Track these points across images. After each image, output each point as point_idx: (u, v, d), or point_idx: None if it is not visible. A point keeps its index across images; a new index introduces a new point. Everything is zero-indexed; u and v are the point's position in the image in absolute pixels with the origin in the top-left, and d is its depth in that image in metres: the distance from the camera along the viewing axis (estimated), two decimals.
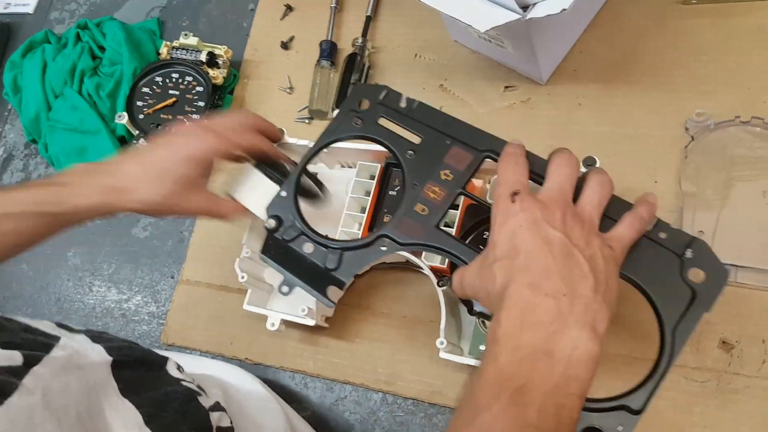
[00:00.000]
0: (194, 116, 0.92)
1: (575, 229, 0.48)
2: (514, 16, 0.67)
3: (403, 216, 0.59)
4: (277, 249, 0.62)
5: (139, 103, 0.94)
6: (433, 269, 0.71)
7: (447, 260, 0.70)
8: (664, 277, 0.52)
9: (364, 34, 0.91)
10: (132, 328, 0.91)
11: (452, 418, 0.44)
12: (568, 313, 0.44)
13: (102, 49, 1.03)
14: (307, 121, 0.92)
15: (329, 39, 0.93)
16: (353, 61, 0.89)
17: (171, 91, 0.94)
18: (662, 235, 0.53)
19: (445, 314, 0.68)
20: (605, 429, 0.49)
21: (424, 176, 0.60)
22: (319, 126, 0.91)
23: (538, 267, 0.46)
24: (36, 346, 0.50)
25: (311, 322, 0.73)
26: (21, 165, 1.08)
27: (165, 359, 0.60)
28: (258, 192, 0.67)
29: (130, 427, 0.51)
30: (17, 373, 0.47)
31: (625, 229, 0.51)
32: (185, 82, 0.94)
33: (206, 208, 0.66)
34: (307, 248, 0.61)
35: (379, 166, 0.77)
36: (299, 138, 0.80)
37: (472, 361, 0.67)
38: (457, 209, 0.72)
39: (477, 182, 0.75)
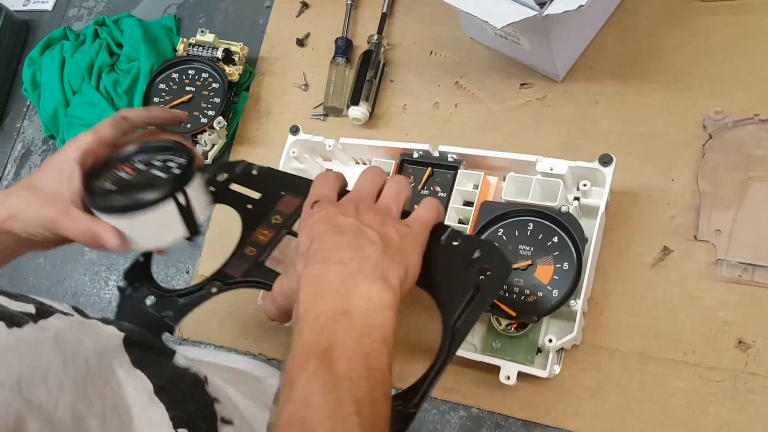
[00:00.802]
0: (210, 112, 0.92)
1: (368, 215, 0.53)
2: (531, 13, 0.67)
3: (232, 258, 0.65)
4: (129, 305, 0.66)
5: (156, 100, 0.95)
6: None
7: None
8: (450, 277, 0.54)
9: (380, 31, 0.91)
10: None
11: (274, 404, 0.45)
12: (357, 272, 0.48)
13: (119, 45, 1.03)
14: (322, 118, 0.92)
15: (344, 36, 0.93)
16: (368, 58, 0.89)
17: (187, 88, 0.95)
18: (455, 243, 0.56)
19: None
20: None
21: (257, 223, 0.66)
22: (334, 123, 0.91)
23: (327, 246, 0.50)
24: (50, 312, 0.52)
25: None
26: (39, 160, 1.09)
27: (173, 351, 0.61)
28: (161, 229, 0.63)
29: (141, 393, 0.51)
30: (30, 316, 0.49)
31: (422, 210, 0.56)
32: (201, 79, 0.95)
33: (83, 230, 0.59)
34: (149, 300, 0.65)
35: (393, 162, 0.77)
36: (314, 135, 0.81)
37: (485, 358, 0.67)
38: (472, 206, 0.72)
39: (492, 179, 0.74)
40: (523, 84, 0.83)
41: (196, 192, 0.62)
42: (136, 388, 0.51)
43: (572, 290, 0.65)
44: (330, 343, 0.44)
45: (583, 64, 0.80)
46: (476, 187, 0.73)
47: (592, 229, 0.67)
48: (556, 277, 0.66)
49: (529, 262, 0.68)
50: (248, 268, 0.63)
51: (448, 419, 0.72)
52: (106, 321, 0.57)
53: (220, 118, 0.91)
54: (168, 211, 0.60)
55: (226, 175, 0.70)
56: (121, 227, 0.59)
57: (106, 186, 0.60)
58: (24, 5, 1.23)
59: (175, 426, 0.51)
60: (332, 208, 0.53)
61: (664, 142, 0.73)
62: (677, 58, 0.76)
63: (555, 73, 0.80)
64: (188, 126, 0.92)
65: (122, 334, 0.56)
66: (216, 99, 0.93)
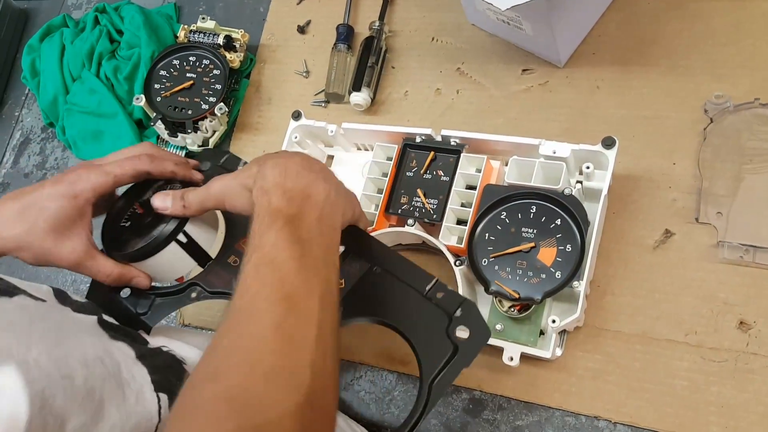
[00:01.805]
0: (211, 99, 0.92)
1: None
2: None
3: (215, 267, 0.65)
4: (102, 292, 0.65)
5: (157, 86, 0.95)
6: (450, 249, 0.71)
7: (464, 240, 0.70)
8: (431, 332, 0.56)
9: (381, 17, 0.91)
10: None
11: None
12: (317, 171, 0.56)
13: (120, 32, 1.03)
14: (323, 104, 0.92)
15: (346, 23, 0.93)
16: (370, 45, 0.89)
17: (188, 74, 0.95)
18: (439, 295, 0.58)
19: (462, 293, 0.68)
20: None
21: (241, 232, 0.64)
22: (335, 109, 0.91)
23: (293, 162, 0.56)
24: (13, 293, 0.52)
25: None
26: (38, 148, 1.09)
27: (146, 341, 0.61)
28: (174, 264, 0.65)
29: (126, 357, 0.52)
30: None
31: None
32: (202, 66, 0.95)
33: (77, 261, 0.59)
34: (124, 293, 0.65)
35: (396, 147, 0.77)
36: (316, 120, 0.81)
37: (490, 340, 0.67)
38: (475, 190, 0.72)
39: (495, 163, 0.75)
40: (524, 70, 0.83)
41: (197, 226, 0.64)
42: (120, 352, 0.52)
43: (575, 272, 0.65)
44: (296, 213, 0.51)
45: (585, 49, 0.81)
46: (479, 171, 0.73)
47: (595, 212, 0.68)
48: (559, 259, 0.66)
49: (532, 244, 0.68)
50: (230, 280, 0.63)
51: (451, 401, 0.72)
52: (79, 310, 0.57)
53: (222, 104, 0.91)
54: (174, 251, 0.63)
55: (209, 164, 0.70)
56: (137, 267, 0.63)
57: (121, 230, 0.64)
58: None
59: (156, 389, 0.52)
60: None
61: (666, 126, 0.74)
62: (679, 42, 0.77)
63: (557, 59, 0.80)
64: (189, 112, 0.92)
65: (95, 317, 0.56)
66: (217, 86, 0.93)
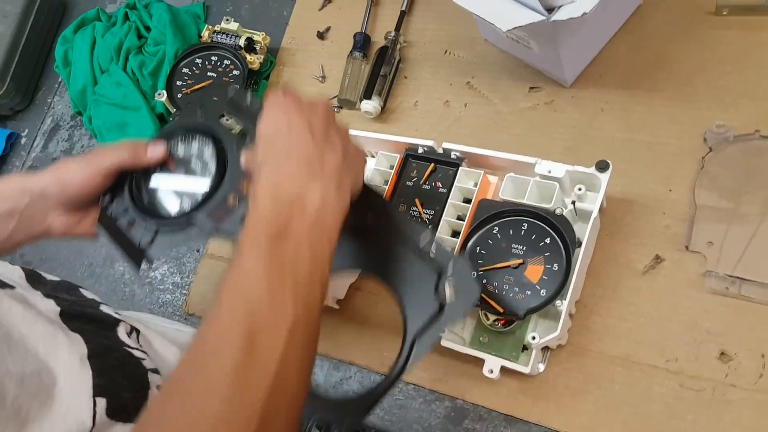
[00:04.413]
0: None
1: (335, 126, 0.57)
2: (538, 18, 0.68)
3: (214, 205, 0.65)
4: (111, 224, 0.68)
5: (179, 83, 0.98)
6: None
7: (456, 252, 0.72)
8: (420, 288, 0.55)
9: (397, 28, 0.93)
10: (156, 296, 0.95)
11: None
12: (319, 172, 0.53)
13: (148, 29, 1.07)
14: (336, 109, 0.94)
15: (363, 31, 0.95)
16: (383, 55, 0.91)
17: (209, 73, 0.98)
18: (431, 251, 0.57)
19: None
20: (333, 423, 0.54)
21: (241, 174, 0.64)
22: (347, 115, 0.94)
23: (295, 138, 0.54)
24: None
25: None
26: (66, 135, 1.14)
27: (117, 321, 0.64)
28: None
29: (73, 356, 0.54)
30: None
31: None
32: (223, 65, 0.98)
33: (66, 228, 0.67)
34: (125, 220, 0.67)
35: (398, 156, 0.79)
36: None
37: (471, 351, 0.69)
38: (470, 203, 0.73)
39: (492, 179, 0.76)
40: (532, 87, 0.84)
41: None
42: (70, 350, 0.54)
43: (559, 291, 0.66)
44: (282, 227, 0.49)
45: (592, 70, 0.81)
46: (476, 185, 0.75)
47: (585, 233, 0.69)
48: (545, 278, 0.68)
49: (521, 261, 0.69)
50: (228, 221, 0.64)
51: (434, 408, 0.74)
52: (48, 295, 0.60)
53: None
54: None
55: (215, 99, 0.71)
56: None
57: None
58: None
59: (95, 394, 0.53)
60: (306, 104, 0.56)
61: (666, 152, 0.74)
62: (686, 69, 0.77)
63: (563, 79, 0.81)
64: None
65: (58, 309, 0.59)
66: (236, 86, 0.96)
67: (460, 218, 0.75)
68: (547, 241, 0.69)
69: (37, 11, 1.17)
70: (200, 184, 0.67)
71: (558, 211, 0.69)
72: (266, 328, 0.44)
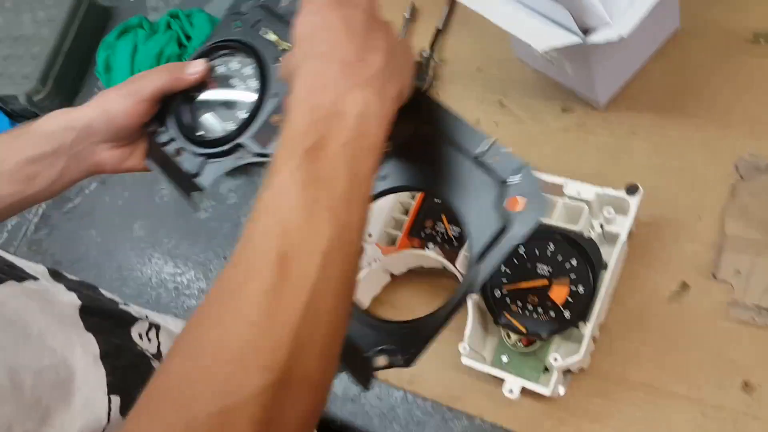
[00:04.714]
0: None
1: (378, 21, 0.50)
2: (574, 39, 0.68)
3: (260, 126, 0.62)
4: (158, 153, 0.67)
5: None
6: None
7: None
8: (481, 203, 0.50)
9: (432, 45, 0.94)
10: (182, 301, 0.97)
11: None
12: (358, 76, 0.47)
13: (189, 38, 1.09)
14: None
15: None
16: (418, 71, 0.92)
17: None
18: (493, 159, 0.51)
19: (472, 320, 0.69)
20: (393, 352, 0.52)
21: (285, 86, 0.61)
22: None
23: (333, 39, 0.48)
24: (9, 276, 0.55)
25: None
26: None
27: (134, 320, 0.64)
28: None
29: (87, 355, 0.55)
30: None
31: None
32: None
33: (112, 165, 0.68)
34: (173, 150, 0.66)
35: None
36: None
37: (492, 370, 0.68)
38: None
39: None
40: (564, 109, 0.84)
41: None
42: (84, 349, 0.55)
43: (584, 313, 0.66)
44: (318, 139, 0.44)
45: (626, 94, 0.81)
46: None
47: (613, 256, 0.68)
48: (570, 299, 0.67)
49: (546, 282, 0.69)
50: (273, 140, 0.61)
51: (452, 427, 0.74)
52: (71, 288, 0.61)
53: None
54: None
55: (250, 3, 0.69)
56: None
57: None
58: None
59: (109, 392, 0.54)
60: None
61: (696, 178, 0.73)
62: (721, 96, 0.76)
63: (596, 101, 0.81)
64: None
65: (79, 303, 0.59)
66: None
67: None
68: (574, 262, 0.68)
69: (83, 17, 1.21)
70: (243, 105, 0.65)
71: (586, 234, 0.68)
72: (299, 250, 0.41)
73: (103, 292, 0.68)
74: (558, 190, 0.72)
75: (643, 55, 0.81)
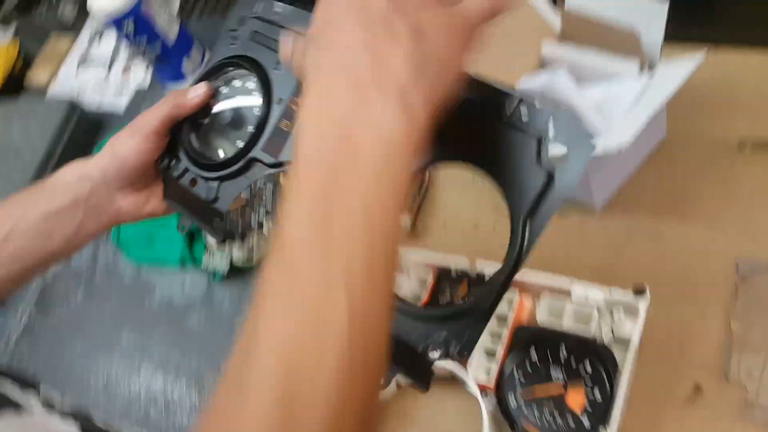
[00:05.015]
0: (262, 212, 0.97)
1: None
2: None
3: (270, 136, 0.60)
4: (175, 190, 0.65)
5: None
6: (480, 386, 0.72)
7: (494, 376, 0.71)
8: (519, 164, 0.45)
9: None
10: (172, 421, 0.93)
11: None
12: (371, 86, 0.37)
13: None
14: None
15: None
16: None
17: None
18: (524, 117, 0.46)
19: (487, 429, 0.68)
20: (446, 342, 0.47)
21: (289, 89, 0.59)
22: None
23: (341, 41, 0.39)
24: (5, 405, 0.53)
25: None
26: (90, 252, 1.14)
27: None
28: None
29: None
30: None
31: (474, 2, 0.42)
32: None
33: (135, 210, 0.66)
34: (188, 181, 0.64)
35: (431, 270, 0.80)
36: None
37: None
38: (505, 321, 0.73)
39: (527, 303, 0.76)
40: (560, 213, 0.86)
41: None
42: None
43: (603, 420, 0.65)
44: (329, 174, 0.36)
45: (621, 198, 0.84)
46: (510, 303, 0.75)
47: (624, 359, 0.68)
48: (588, 408, 0.67)
49: (562, 390, 0.68)
50: (284, 147, 0.58)
51: None
52: (67, 415, 0.58)
53: None
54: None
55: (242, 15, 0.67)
56: None
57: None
58: (97, 108, 1.32)
59: None
60: None
61: (698, 279, 0.75)
62: (713, 200, 0.79)
63: (592, 205, 0.83)
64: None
65: (78, 424, 0.57)
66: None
67: (492, 335, 0.75)
68: (588, 368, 0.68)
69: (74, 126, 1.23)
70: (251, 119, 0.63)
71: (599, 340, 0.69)
72: (318, 307, 0.34)
73: (95, 419, 0.65)
74: (565, 293, 0.72)
75: (635, 162, 0.84)
